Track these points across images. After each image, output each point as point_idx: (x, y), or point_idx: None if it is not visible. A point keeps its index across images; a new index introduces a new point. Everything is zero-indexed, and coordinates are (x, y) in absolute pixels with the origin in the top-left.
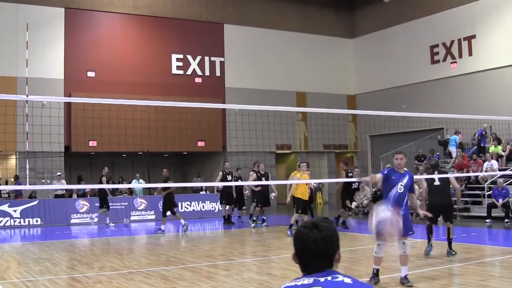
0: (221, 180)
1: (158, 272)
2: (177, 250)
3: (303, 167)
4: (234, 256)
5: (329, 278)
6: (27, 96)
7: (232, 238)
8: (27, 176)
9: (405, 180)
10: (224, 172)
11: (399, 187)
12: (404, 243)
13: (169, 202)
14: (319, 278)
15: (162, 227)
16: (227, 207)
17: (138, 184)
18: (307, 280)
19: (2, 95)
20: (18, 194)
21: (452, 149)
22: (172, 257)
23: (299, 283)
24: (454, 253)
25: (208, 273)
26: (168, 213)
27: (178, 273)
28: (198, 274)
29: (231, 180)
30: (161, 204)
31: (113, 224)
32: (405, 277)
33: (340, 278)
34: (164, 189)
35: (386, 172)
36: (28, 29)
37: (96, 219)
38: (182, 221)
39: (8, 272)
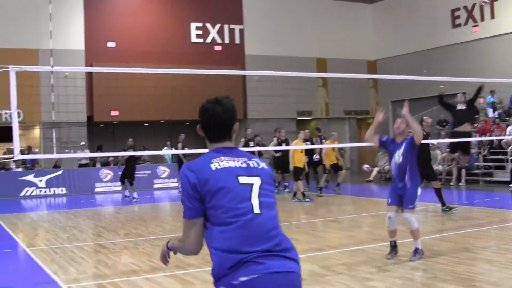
0: (243, 147)
1: None
2: None
3: (301, 134)
4: None
5: (256, 164)
6: (52, 67)
7: None
8: (54, 146)
9: (402, 149)
10: (246, 139)
11: (397, 158)
12: (406, 217)
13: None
14: (249, 162)
15: (135, 194)
16: None
17: (170, 151)
18: (239, 162)
19: (28, 66)
20: (34, 164)
21: (489, 110)
22: None
23: (235, 165)
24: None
25: None
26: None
27: None
28: None
29: (252, 147)
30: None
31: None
32: (415, 250)
33: (262, 164)
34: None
35: (384, 139)
36: (50, 1)
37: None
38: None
39: (36, 240)
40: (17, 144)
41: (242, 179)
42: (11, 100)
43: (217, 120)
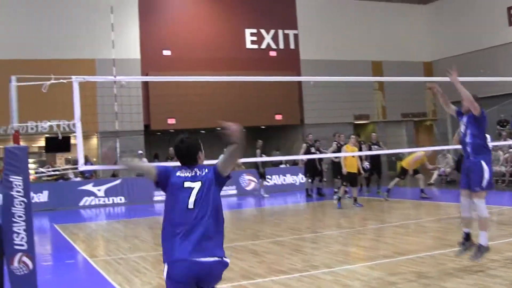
0: (305, 152)
1: (246, 247)
2: (263, 224)
3: (352, 139)
4: (319, 228)
5: (203, 173)
6: (115, 77)
7: (315, 210)
8: (118, 155)
9: (465, 120)
10: (307, 144)
11: (462, 130)
12: (473, 202)
13: None
14: (197, 172)
15: None
16: (310, 179)
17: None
18: (189, 173)
19: (91, 76)
20: (92, 173)
21: None
22: (258, 231)
23: (184, 175)
24: None
25: (296, 246)
26: None
27: (266, 247)
28: (286, 247)
29: (314, 153)
30: None
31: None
32: (478, 246)
33: (206, 170)
34: None
35: (458, 109)
36: (112, 12)
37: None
38: None
39: (98, 250)
40: (81, 154)
41: (187, 184)
42: (75, 110)
43: (182, 154)
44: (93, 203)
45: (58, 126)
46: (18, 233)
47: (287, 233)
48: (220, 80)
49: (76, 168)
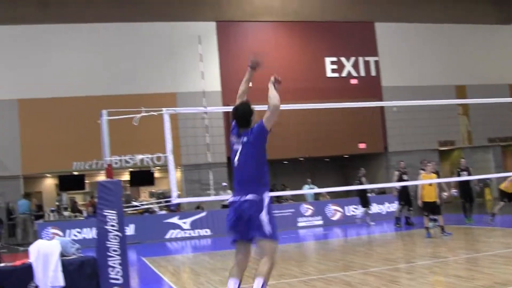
0: (398, 180)
1: (340, 278)
2: (353, 255)
3: (428, 167)
4: (412, 258)
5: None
6: (205, 107)
7: (405, 240)
8: (212, 187)
9: None
10: (399, 172)
11: None
12: None
13: None
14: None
15: None
16: (403, 208)
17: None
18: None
19: (183, 108)
20: (177, 207)
21: None
22: (350, 262)
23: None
24: None
25: (391, 277)
26: None
27: (359, 278)
28: (381, 279)
29: (407, 180)
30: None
31: (373, 223)
32: None
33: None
34: None
35: None
36: (200, 42)
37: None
38: None
39: (190, 283)
40: (174, 187)
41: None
42: (166, 143)
43: (238, 118)
44: (179, 235)
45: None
46: (114, 267)
47: (379, 264)
48: (303, 108)
49: (169, 201)
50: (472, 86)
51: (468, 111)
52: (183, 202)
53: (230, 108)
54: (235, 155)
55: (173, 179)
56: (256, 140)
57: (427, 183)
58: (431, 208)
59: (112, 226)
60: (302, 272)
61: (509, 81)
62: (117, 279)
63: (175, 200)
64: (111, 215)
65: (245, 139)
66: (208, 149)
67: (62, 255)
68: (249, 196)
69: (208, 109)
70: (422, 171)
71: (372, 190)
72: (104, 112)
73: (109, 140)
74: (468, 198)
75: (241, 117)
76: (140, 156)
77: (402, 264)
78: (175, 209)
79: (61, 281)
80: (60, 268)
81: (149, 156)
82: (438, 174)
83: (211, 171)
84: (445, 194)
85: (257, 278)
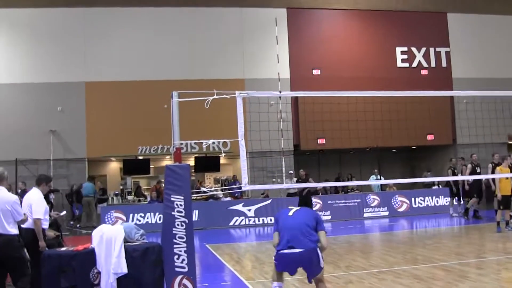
0: (471, 173)
1: (409, 272)
2: (422, 248)
3: (507, 160)
4: (483, 253)
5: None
6: (280, 92)
7: (473, 233)
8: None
9: None
10: (473, 164)
11: None
12: None
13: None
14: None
15: None
16: (475, 200)
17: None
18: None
19: (256, 92)
20: (241, 194)
21: None
22: (418, 255)
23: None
24: None
25: (461, 272)
26: None
27: (429, 272)
28: (452, 273)
29: (479, 173)
30: None
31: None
32: None
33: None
34: None
35: None
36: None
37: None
38: None
39: (254, 272)
40: (245, 174)
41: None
42: (239, 128)
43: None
44: (243, 223)
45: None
46: (179, 255)
47: (449, 258)
48: (372, 95)
49: (240, 188)
50: None
51: None
52: (250, 189)
53: (303, 94)
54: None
55: (244, 166)
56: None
57: (504, 177)
58: (506, 202)
59: (179, 212)
60: (370, 264)
61: None
62: (183, 267)
63: (245, 187)
64: (178, 200)
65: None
66: (276, 136)
67: (126, 240)
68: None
69: (282, 93)
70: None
71: (439, 183)
72: (175, 93)
73: (178, 123)
74: None
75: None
76: (210, 141)
77: (472, 259)
78: (239, 196)
79: (124, 268)
80: (123, 254)
81: (219, 141)
82: None
83: (281, 158)
84: None
85: None
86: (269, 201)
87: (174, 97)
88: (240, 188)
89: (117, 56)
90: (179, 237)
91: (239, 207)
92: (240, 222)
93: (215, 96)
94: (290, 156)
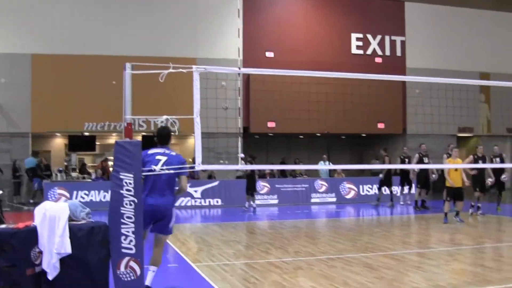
0: (417, 163)
1: (359, 259)
2: (371, 236)
3: (454, 152)
4: (432, 243)
5: (167, 151)
6: (239, 68)
7: (421, 223)
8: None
9: None
10: (420, 154)
11: None
12: None
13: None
14: (164, 150)
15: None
16: (421, 191)
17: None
18: (160, 150)
19: (215, 67)
20: (198, 174)
21: None
22: (367, 243)
23: (154, 151)
24: None
25: (412, 262)
26: None
27: (380, 260)
28: (402, 263)
29: (427, 163)
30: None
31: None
32: None
33: (173, 152)
34: None
35: None
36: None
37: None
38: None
39: (201, 254)
40: (199, 153)
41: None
42: (195, 104)
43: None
44: (189, 204)
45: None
46: (127, 236)
47: (398, 247)
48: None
49: (193, 168)
50: (497, 74)
51: (489, 100)
52: (206, 170)
53: (263, 71)
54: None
55: (198, 144)
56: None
57: (453, 168)
58: (456, 194)
59: (128, 190)
60: (319, 251)
61: None
62: (130, 249)
63: (199, 166)
64: (127, 178)
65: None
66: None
67: (71, 219)
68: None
69: (242, 70)
70: (445, 155)
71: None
72: (128, 65)
73: (131, 97)
74: (497, 187)
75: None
76: (164, 117)
77: (423, 249)
78: (197, 176)
79: (68, 248)
80: (67, 234)
81: (174, 117)
82: (484, 161)
83: (224, 140)
84: (490, 180)
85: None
86: (216, 183)
87: (127, 68)
88: (193, 168)
89: (67, 29)
90: (127, 217)
91: None
92: (186, 203)
93: (171, 70)
94: (238, 139)
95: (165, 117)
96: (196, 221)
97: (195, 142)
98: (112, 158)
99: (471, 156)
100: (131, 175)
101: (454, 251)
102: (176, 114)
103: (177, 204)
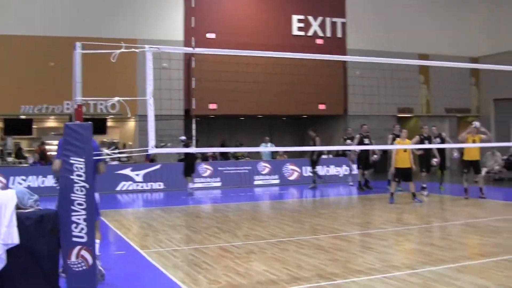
0: (358, 143)
1: (311, 242)
2: (318, 217)
3: (403, 133)
4: (382, 224)
5: None
6: (193, 48)
7: (368, 204)
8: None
9: None
10: (361, 135)
11: None
12: None
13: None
14: None
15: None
16: (365, 172)
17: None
18: None
19: (167, 47)
20: (128, 158)
21: None
22: (317, 225)
23: None
24: None
25: (364, 243)
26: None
27: (331, 242)
28: (354, 244)
29: (368, 144)
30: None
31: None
32: None
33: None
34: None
35: None
36: None
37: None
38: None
39: (149, 240)
40: (152, 136)
41: None
42: (147, 85)
43: None
44: (130, 188)
45: (95, 107)
46: (78, 224)
47: (348, 228)
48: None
49: (147, 151)
50: (435, 56)
51: (429, 81)
52: (136, 155)
53: (216, 51)
54: None
55: (152, 127)
56: None
57: (402, 149)
58: (404, 175)
59: (79, 176)
60: (269, 234)
61: (472, 54)
62: (81, 237)
63: (152, 150)
64: (78, 163)
65: None
66: (167, 100)
67: (18, 207)
68: None
69: (196, 50)
70: (391, 136)
71: (329, 152)
72: (78, 44)
73: (81, 78)
74: (440, 166)
75: None
76: (116, 98)
77: (373, 230)
78: (126, 161)
79: (15, 238)
80: (15, 223)
81: (123, 99)
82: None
83: (166, 123)
84: (435, 160)
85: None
86: (158, 166)
87: (78, 48)
88: (147, 151)
89: (0, 8)
90: (78, 204)
91: (127, 171)
92: (128, 187)
93: (122, 50)
94: (180, 121)
95: (116, 98)
96: (139, 205)
97: (148, 124)
98: (49, 142)
99: (417, 137)
100: (82, 160)
101: (403, 231)
102: (114, 96)
103: (118, 188)
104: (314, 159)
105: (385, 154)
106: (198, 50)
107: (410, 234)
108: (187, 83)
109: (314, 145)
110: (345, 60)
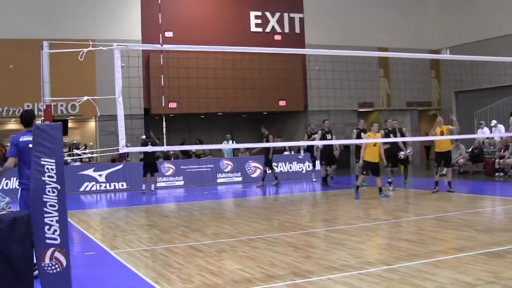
0: (320, 139)
1: (281, 239)
2: (286, 214)
3: (374, 127)
4: (351, 219)
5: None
6: (162, 45)
7: (334, 200)
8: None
9: None
10: (323, 131)
11: None
12: None
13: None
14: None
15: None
16: (328, 168)
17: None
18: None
19: (136, 44)
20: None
21: None
22: (285, 222)
23: (26, 139)
24: None
25: (335, 239)
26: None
27: (303, 239)
28: (326, 241)
29: (330, 139)
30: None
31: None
32: None
33: None
34: None
35: None
36: None
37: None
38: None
39: (118, 241)
40: (122, 135)
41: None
42: (116, 84)
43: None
44: (93, 188)
45: (55, 108)
46: (51, 225)
47: (318, 225)
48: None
49: (118, 150)
50: (394, 49)
51: (389, 75)
52: (129, 152)
53: (186, 47)
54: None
55: (121, 126)
56: None
57: (372, 143)
58: (373, 169)
59: (51, 177)
60: (239, 232)
61: (431, 47)
62: (55, 239)
63: (122, 149)
64: (49, 164)
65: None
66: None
67: None
68: None
69: (164, 47)
70: (355, 130)
71: (290, 148)
72: (46, 43)
73: (49, 78)
74: (403, 161)
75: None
76: (85, 98)
77: (343, 226)
78: (88, 161)
79: None
80: None
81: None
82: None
83: (126, 123)
84: (402, 153)
85: None
86: (120, 166)
87: (45, 47)
88: (118, 150)
89: None
90: (50, 205)
91: (89, 172)
92: (91, 187)
93: (90, 48)
94: (139, 120)
95: (86, 98)
96: (104, 206)
97: (118, 123)
98: (8, 144)
99: (382, 131)
100: (53, 161)
101: (374, 227)
102: (77, 96)
103: (81, 189)
104: (270, 158)
105: (347, 149)
106: (167, 47)
107: (380, 229)
108: (146, 83)
109: (268, 142)
110: (303, 53)
